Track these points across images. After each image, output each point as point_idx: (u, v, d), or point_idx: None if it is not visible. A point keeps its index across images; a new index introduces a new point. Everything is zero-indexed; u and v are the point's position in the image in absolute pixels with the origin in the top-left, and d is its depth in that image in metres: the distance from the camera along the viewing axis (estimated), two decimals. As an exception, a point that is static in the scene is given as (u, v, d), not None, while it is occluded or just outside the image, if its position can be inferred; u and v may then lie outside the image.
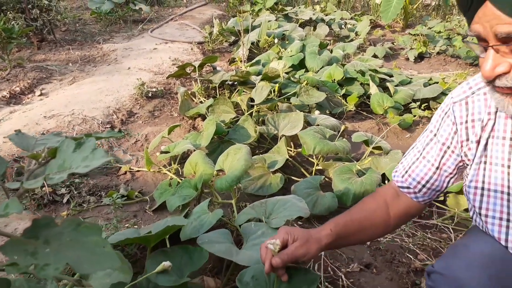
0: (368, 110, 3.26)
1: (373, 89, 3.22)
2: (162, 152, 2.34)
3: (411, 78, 3.77)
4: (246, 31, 4.63)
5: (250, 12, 5.91)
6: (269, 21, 4.82)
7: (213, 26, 5.04)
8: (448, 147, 1.08)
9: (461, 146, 1.06)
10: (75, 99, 3.11)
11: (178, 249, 1.22)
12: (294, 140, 2.59)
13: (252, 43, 4.47)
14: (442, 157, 1.09)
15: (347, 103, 3.18)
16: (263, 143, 2.64)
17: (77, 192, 2.05)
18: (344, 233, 1.14)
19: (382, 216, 1.17)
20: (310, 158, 2.48)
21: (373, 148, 2.35)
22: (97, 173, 2.32)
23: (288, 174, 2.34)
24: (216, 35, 4.84)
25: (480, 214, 1.05)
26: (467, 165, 1.08)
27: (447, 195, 2.14)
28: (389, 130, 2.97)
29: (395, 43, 5.61)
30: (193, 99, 3.18)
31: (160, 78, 3.72)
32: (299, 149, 2.50)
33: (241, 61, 3.94)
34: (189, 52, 4.66)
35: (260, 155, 2.33)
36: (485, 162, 1.02)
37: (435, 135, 1.11)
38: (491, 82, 0.86)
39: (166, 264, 1.02)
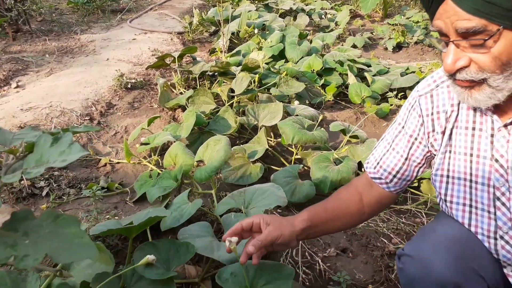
0: (347, 99, 3.31)
1: (351, 79, 3.28)
2: (142, 144, 2.35)
3: (389, 68, 3.85)
4: (226, 21, 4.62)
5: (231, 2, 5.87)
6: (249, 11, 4.81)
7: (193, 16, 5.00)
8: (416, 139, 1.13)
9: (428, 137, 1.11)
10: (53, 91, 3.07)
11: (166, 242, 1.25)
12: (274, 130, 2.63)
13: (233, 34, 4.46)
14: (410, 148, 1.14)
15: (326, 93, 3.23)
16: (244, 134, 2.67)
17: (56, 185, 2.05)
18: (318, 220, 1.18)
19: (356, 205, 1.22)
20: (289, 148, 2.53)
21: (350, 137, 2.41)
22: (76, 166, 2.32)
23: (268, 164, 2.38)
24: (196, 25, 4.81)
25: (445, 200, 1.11)
26: (434, 155, 1.13)
27: (420, 181, 2.22)
28: (366, 119, 3.04)
29: (374, 33, 5.67)
30: (173, 90, 3.18)
31: (140, 69, 3.69)
32: (279, 139, 2.54)
33: (221, 52, 3.94)
34: (169, 42, 4.63)
35: (241, 145, 2.36)
36: (450, 152, 1.07)
37: (403, 127, 1.16)
38: (452, 75, 0.90)
39: (150, 257, 1.05)
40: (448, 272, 1.03)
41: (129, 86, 3.27)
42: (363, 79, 3.51)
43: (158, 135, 2.29)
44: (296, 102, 2.96)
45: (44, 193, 2.01)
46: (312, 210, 1.19)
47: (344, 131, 2.43)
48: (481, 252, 1.07)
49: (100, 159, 2.37)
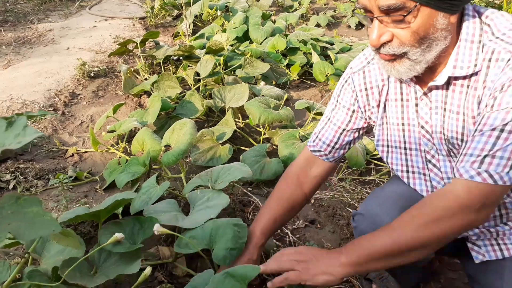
0: (312, 78, 3.37)
1: (315, 58, 3.33)
2: (108, 132, 2.34)
3: (351, 45, 3.92)
4: (189, 4, 4.56)
5: (192, -16, 5.78)
6: (211, -7, 4.76)
7: (155, 0, 4.90)
8: (353, 111, 1.22)
9: (365, 110, 1.20)
10: (12, 83, 2.98)
11: (129, 219, 1.27)
12: (242, 112, 2.66)
13: (196, 16, 4.42)
14: (349, 121, 1.23)
15: (291, 72, 3.27)
16: (212, 117, 2.69)
17: (23, 177, 2.02)
18: (272, 231, 1.29)
19: (299, 197, 1.30)
20: (257, 128, 2.57)
21: (315, 114, 2.47)
22: (43, 157, 2.28)
23: (237, 145, 2.42)
24: (158, 9, 4.73)
25: (390, 166, 1.22)
26: (373, 126, 1.23)
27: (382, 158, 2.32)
28: (330, 96, 3.11)
29: (337, 11, 5.74)
30: (137, 76, 3.14)
31: (102, 56, 3.62)
32: (247, 120, 2.58)
33: (185, 35, 3.91)
34: (131, 28, 4.53)
35: (209, 128, 2.38)
36: (386, 123, 1.17)
37: (338, 102, 1.24)
38: (377, 50, 0.97)
39: (119, 235, 1.07)
40: None
41: (92, 74, 3.21)
42: (326, 57, 3.57)
43: (124, 122, 2.28)
44: (262, 83, 2.99)
45: (11, 186, 1.97)
46: (265, 228, 1.26)
47: (309, 109, 2.49)
48: None
49: (67, 149, 2.34)
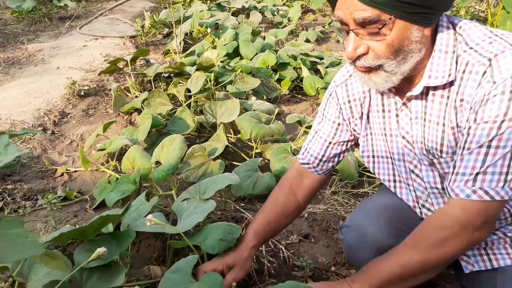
0: (302, 92, 3.39)
1: (305, 72, 3.35)
2: (98, 150, 2.31)
3: (341, 59, 3.96)
4: (179, 22, 4.59)
5: (182, 3, 5.84)
6: (201, 11, 4.81)
7: (145, 19, 4.94)
8: (339, 124, 1.23)
9: (349, 122, 1.21)
10: (1, 103, 2.95)
11: (105, 236, 1.25)
12: (233, 127, 2.65)
13: (186, 34, 4.45)
14: (335, 134, 1.24)
15: (282, 87, 3.29)
16: (203, 133, 2.68)
17: (11, 199, 1.98)
18: (264, 237, 1.29)
19: (293, 204, 1.31)
20: (249, 143, 2.56)
21: (306, 127, 2.47)
22: (32, 178, 2.25)
23: (230, 160, 2.41)
24: (148, 28, 4.76)
25: (377, 176, 1.23)
26: (358, 137, 1.24)
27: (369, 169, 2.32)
28: (322, 110, 3.12)
29: (326, 27, 5.81)
30: (128, 94, 3.13)
31: (92, 75, 3.61)
32: (239, 135, 2.57)
33: (175, 53, 3.92)
34: (121, 47, 4.55)
35: (201, 144, 2.37)
36: (371, 134, 1.19)
37: (324, 115, 1.26)
38: (353, 62, 0.98)
39: (101, 250, 1.04)
40: (380, 235, 1.14)
41: (82, 93, 3.19)
42: (316, 71, 3.60)
43: (114, 139, 2.26)
44: (253, 98, 3.00)
45: (-3, 208, 1.93)
46: (258, 230, 1.27)
47: (300, 122, 2.49)
48: (411, 216, 1.19)
49: (57, 169, 2.31)
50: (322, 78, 3.35)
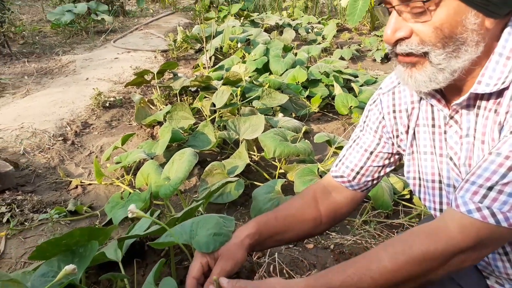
0: (334, 111, 3.20)
1: (337, 90, 3.17)
2: (116, 163, 2.21)
3: (377, 78, 3.75)
4: (210, 37, 4.54)
5: (216, 18, 5.83)
6: (233, 26, 4.75)
7: (178, 34, 4.93)
8: (381, 135, 1.05)
9: (393, 135, 1.04)
10: (26, 112, 2.94)
11: (67, 254, 1.09)
12: (258, 145, 2.49)
13: (217, 49, 4.38)
14: (377, 144, 1.06)
15: (311, 104, 3.11)
16: (225, 149, 2.53)
17: (19, 210, 1.89)
18: (267, 232, 1.05)
19: (310, 212, 1.09)
20: (273, 162, 2.39)
21: (336, 148, 2.28)
22: (45, 189, 2.16)
23: (251, 180, 2.24)
24: (180, 42, 4.73)
25: (422, 202, 1.04)
26: (403, 155, 1.05)
27: (413, 193, 2.09)
28: (353, 129, 2.91)
29: (362, 45, 5.63)
30: (151, 107, 3.05)
31: (120, 87, 3.58)
32: (263, 153, 2.41)
33: (204, 68, 3.84)
34: (152, 60, 4.53)
35: (221, 161, 2.22)
36: (417, 152, 1.00)
37: (366, 123, 1.09)
38: (392, 48, 0.82)
39: (69, 268, 0.87)
40: None
41: (107, 104, 3.14)
42: (350, 90, 3.40)
43: (130, 153, 2.15)
44: (280, 115, 2.84)
45: (4, 220, 1.84)
46: (261, 221, 1.06)
47: (329, 142, 2.30)
48: None
49: (71, 181, 2.22)
50: (355, 96, 3.14)
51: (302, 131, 2.26)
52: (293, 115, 3.07)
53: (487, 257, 0.96)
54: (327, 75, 3.43)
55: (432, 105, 0.93)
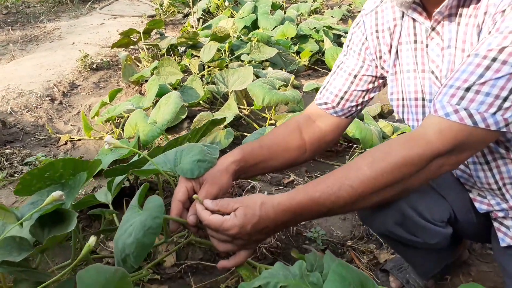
0: (324, 67, 3.18)
1: (328, 44, 3.13)
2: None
3: (367, 33, 3.70)
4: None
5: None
6: (221, -13, 4.63)
7: (164, -2, 4.81)
8: (364, 58, 1.04)
9: (376, 57, 1.02)
10: (12, 75, 2.89)
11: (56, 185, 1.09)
12: (247, 99, 2.48)
13: (204, 11, 4.29)
14: (361, 66, 1.05)
15: (301, 58, 3.08)
16: (215, 104, 2.52)
17: (8, 163, 1.89)
18: (252, 160, 1.03)
19: (295, 140, 1.09)
20: (263, 114, 2.38)
21: (325, 95, 2.26)
22: (34, 145, 2.15)
23: (242, 131, 2.24)
24: (167, 6, 4.63)
25: (406, 123, 1.04)
26: (386, 76, 1.04)
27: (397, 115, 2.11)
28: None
29: (352, 6, 5.53)
30: (138, 64, 3.00)
31: (107, 50, 3.52)
32: (253, 107, 2.39)
33: (191, 27, 3.78)
34: (139, 25, 4.44)
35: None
36: (401, 71, 0.99)
37: (349, 47, 1.07)
38: None
39: (56, 194, 0.88)
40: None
41: (94, 66, 3.10)
42: (340, 46, 3.36)
43: (118, 105, 2.13)
44: (270, 69, 2.81)
45: (-6, 173, 1.84)
46: (246, 149, 1.05)
47: (318, 90, 2.28)
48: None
49: (60, 137, 2.21)
50: (345, 50, 3.11)
51: (291, 81, 2.24)
52: (283, 70, 3.04)
53: (469, 169, 0.96)
54: (317, 31, 3.38)
55: (414, 20, 0.92)
